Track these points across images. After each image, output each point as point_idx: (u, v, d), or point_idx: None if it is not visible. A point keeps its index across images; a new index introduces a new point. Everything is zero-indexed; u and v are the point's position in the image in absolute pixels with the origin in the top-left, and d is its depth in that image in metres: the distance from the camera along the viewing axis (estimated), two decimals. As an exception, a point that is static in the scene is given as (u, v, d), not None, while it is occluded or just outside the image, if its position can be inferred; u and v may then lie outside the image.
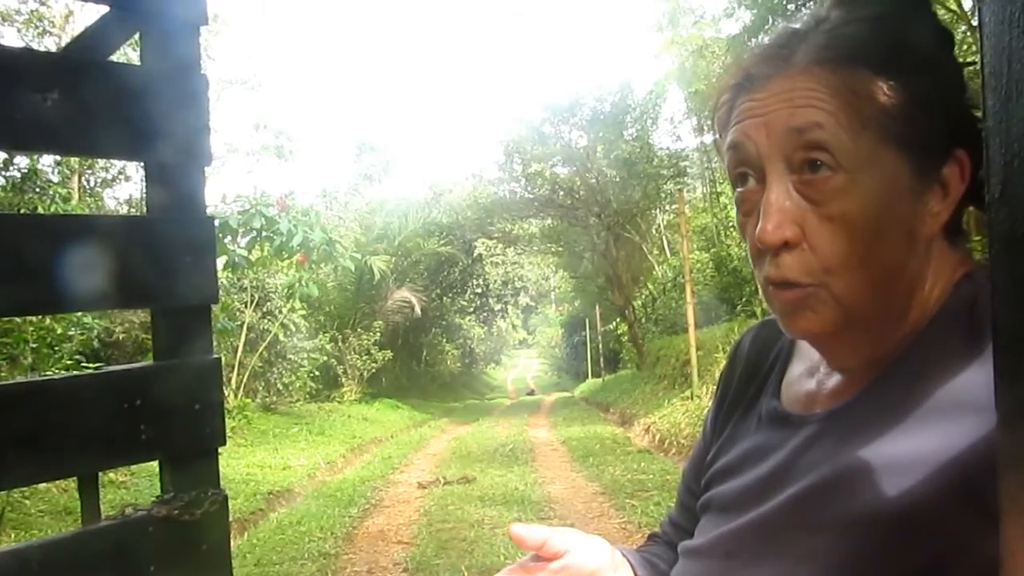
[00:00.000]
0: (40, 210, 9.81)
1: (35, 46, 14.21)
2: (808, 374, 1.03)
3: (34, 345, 8.35)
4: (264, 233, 12.96)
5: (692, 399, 12.96)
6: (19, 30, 15.66)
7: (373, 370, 22.00)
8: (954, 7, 7.88)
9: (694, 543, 1.05)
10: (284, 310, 16.43)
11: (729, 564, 0.96)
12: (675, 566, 1.07)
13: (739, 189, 0.94)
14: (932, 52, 0.89)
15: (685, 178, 24.16)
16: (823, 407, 0.96)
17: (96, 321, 10.40)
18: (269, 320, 16.34)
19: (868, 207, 0.85)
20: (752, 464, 1.01)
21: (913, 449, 0.82)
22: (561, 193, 25.15)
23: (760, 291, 0.95)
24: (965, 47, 5.73)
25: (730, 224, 18.80)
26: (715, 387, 1.25)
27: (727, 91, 0.95)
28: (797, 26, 0.92)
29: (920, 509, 0.79)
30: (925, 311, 0.90)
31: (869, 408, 0.89)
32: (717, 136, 0.98)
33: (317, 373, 18.50)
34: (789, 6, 9.84)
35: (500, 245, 30.46)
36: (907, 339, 0.90)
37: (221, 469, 1.86)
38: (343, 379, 20.97)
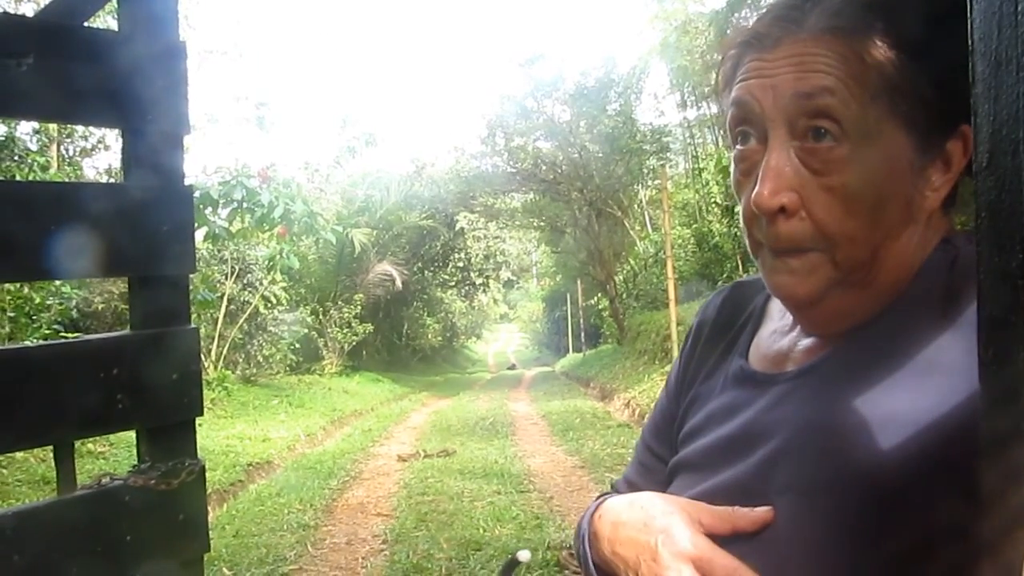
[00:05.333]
0: (17, 178, 9.70)
1: (12, 11, 14.00)
2: (780, 333, 1.02)
3: (12, 314, 8.29)
4: (245, 205, 12.83)
5: (672, 374, 12.97)
6: (-4, -4, 15.43)
7: (354, 343, 21.95)
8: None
9: None
10: (265, 282, 16.36)
11: None
12: None
13: (739, 147, 0.92)
14: (947, 24, 0.86)
15: (668, 154, 24.15)
16: (794, 366, 0.96)
17: (75, 291, 10.33)
18: (250, 292, 16.27)
19: (869, 180, 0.85)
20: (718, 423, 1.01)
21: (886, 410, 0.81)
22: (543, 168, 25.06)
23: (750, 251, 0.94)
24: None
25: (712, 200, 18.79)
26: (682, 344, 1.24)
27: (734, 47, 0.93)
28: None
29: (896, 473, 0.79)
30: (907, 274, 0.90)
31: (840, 366, 0.89)
32: (720, 90, 0.96)
33: (298, 345, 18.44)
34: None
35: (482, 219, 30.35)
36: (885, 296, 0.90)
37: (201, 440, 1.86)
38: (324, 352, 20.92)
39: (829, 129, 0.84)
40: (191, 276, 1.92)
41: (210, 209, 12.52)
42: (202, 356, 13.75)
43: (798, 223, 0.86)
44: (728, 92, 0.93)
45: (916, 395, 0.80)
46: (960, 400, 0.75)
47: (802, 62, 0.86)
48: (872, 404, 0.83)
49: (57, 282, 8.68)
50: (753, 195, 0.87)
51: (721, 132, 20.50)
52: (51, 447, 1.65)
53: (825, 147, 0.85)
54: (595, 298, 26.56)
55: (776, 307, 1.07)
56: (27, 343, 7.04)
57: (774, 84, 0.87)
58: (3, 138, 10.57)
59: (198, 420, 1.86)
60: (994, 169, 0.46)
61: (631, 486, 1.21)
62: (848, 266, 0.87)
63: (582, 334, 29.07)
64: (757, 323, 1.08)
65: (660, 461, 1.15)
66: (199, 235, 11.94)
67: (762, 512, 0.87)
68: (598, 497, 1.24)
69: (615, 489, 1.25)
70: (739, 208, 0.94)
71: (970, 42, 0.48)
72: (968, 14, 0.49)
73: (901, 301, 0.89)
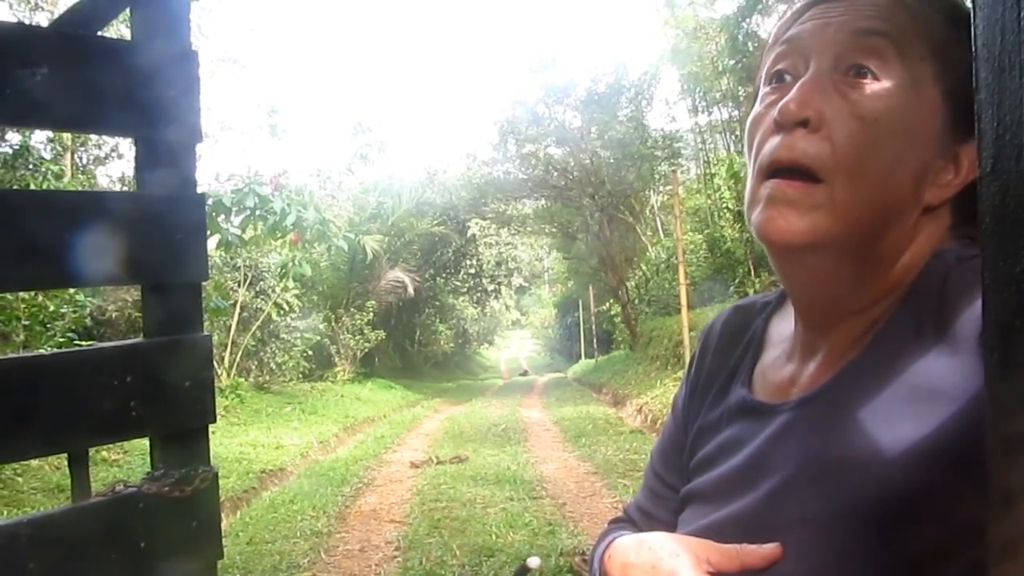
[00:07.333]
0: (32, 187, 9.75)
1: (27, 21, 14.08)
2: (783, 361, 1.02)
3: (26, 322, 8.32)
4: (257, 212, 12.84)
5: (685, 380, 12.94)
6: (11, 5, 15.53)
7: (366, 350, 21.97)
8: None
9: None
10: (277, 289, 16.39)
11: None
12: None
13: (772, 85, 0.93)
14: None
15: (679, 159, 24.12)
16: (797, 394, 0.95)
17: (89, 299, 10.35)
18: (262, 299, 16.30)
19: (897, 120, 0.85)
20: (728, 455, 1.00)
21: (891, 437, 0.80)
22: (555, 174, 25.05)
23: (750, 193, 0.92)
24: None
25: (724, 205, 18.74)
26: (686, 370, 1.24)
27: (801, 3, 0.94)
28: None
29: (903, 501, 0.78)
30: (898, 287, 0.89)
31: (843, 394, 0.88)
32: (770, 44, 0.96)
33: (310, 353, 18.45)
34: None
35: (494, 225, 30.37)
36: (880, 317, 0.89)
37: (214, 447, 1.86)
38: (336, 359, 20.94)
39: (873, 69, 0.85)
40: (204, 283, 1.93)
41: (222, 216, 12.54)
42: (215, 363, 13.80)
43: (817, 140, 0.85)
44: (775, 47, 0.94)
45: (919, 421, 0.79)
46: (963, 424, 0.74)
47: (864, 9, 0.87)
48: (876, 431, 0.82)
49: (71, 290, 8.71)
50: (780, 105, 0.87)
51: (732, 137, 20.49)
52: (65, 454, 1.66)
53: (864, 83, 0.85)
54: (607, 304, 26.54)
55: (776, 331, 1.06)
56: (41, 351, 7.07)
57: (830, 23, 0.88)
58: (18, 147, 10.63)
59: (211, 427, 1.87)
60: (998, 174, 0.46)
61: (641, 511, 1.21)
62: (845, 210, 0.85)
63: (594, 340, 29.05)
64: (758, 350, 1.08)
65: (669, 488, 1.15)
66: (211, 242, 11.98)
67: (770, 548, 0.86)
68: (610, 524, 1.25)
69: (626, 513, 1.25)
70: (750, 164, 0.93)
71: (973, 48, 0.48)
72: (972, 20, 0.49)
73: (894, 321, 0.87)
